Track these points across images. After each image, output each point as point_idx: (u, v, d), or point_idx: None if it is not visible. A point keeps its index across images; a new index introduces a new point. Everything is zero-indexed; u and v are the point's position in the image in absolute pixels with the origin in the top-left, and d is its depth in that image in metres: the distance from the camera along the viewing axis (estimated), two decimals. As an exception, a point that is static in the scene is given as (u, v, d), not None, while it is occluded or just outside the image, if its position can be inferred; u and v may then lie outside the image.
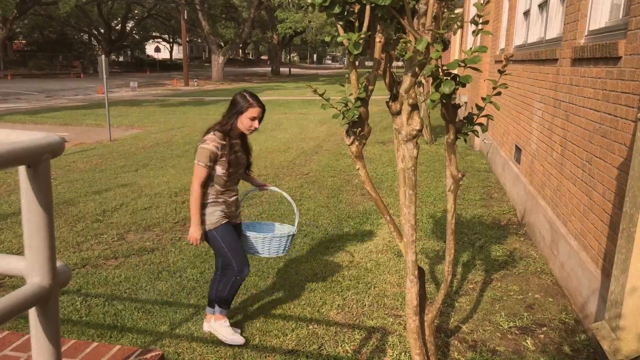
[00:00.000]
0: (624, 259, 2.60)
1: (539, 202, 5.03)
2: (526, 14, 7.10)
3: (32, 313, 1.00)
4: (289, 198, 3.64)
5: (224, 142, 3.13)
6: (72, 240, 5.06)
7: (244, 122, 3.17)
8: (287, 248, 3.43)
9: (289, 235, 3.39)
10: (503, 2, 8.89)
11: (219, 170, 3.13)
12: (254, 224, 3.74)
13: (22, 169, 1.00)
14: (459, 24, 13.90)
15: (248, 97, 3.19)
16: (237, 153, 3.22)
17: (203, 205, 3.15)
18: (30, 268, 1.04)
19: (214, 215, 3.17)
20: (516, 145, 6.62)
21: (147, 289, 4.04)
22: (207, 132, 3.18)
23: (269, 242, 3.35)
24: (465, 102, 12.42)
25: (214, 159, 3.09)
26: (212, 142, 3.09)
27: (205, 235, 3.18)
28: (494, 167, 8.16)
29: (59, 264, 1.10)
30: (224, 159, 3.13)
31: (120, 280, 4.18)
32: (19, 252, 4.75)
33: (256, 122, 3.21)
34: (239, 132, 3.24)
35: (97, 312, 3.66)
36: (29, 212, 1.01)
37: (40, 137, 1.02)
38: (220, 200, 3.20)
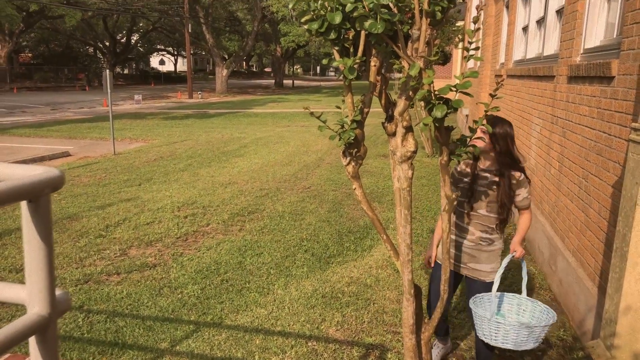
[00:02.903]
0: (617, 277, 2.63)
1: (537, 217, 5.06)
2: (525, 29, 7.17)
3: (32, 340, 1.05)
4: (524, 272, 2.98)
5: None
6: (75, 256, 5.12)
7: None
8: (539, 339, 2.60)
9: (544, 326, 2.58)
10: (503, 17, 8.98)
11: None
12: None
13: (23, 204, 1.05)
14: (460, 37, 14.02)
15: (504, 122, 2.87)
16: (480, 187, 2.92)
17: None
18: (30, 297, 1.09)
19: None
20: (516, 160, 6.66)
21: (148, 305, 4.08)
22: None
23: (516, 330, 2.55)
24: (467, 115, 12.48)
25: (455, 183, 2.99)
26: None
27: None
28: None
29: (58, 292, 1.15)
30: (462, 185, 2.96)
31: (122, 297, 4.22)
32: (22, 268, 4.81)
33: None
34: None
35: (98, 328, 3.70)
36: (30, 244, 1.06)
37: (41, 172, 1.08)
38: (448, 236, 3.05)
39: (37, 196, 1.06)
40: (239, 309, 4.00)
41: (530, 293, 4.28)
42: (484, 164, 2.88)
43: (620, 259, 2.62)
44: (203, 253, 5.21)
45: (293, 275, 4.66)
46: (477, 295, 2.85)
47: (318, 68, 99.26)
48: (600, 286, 3.27)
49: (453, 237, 2.98)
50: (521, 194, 2.82)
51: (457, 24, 14.84)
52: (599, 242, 3.34)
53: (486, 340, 2.66)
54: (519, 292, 2.97)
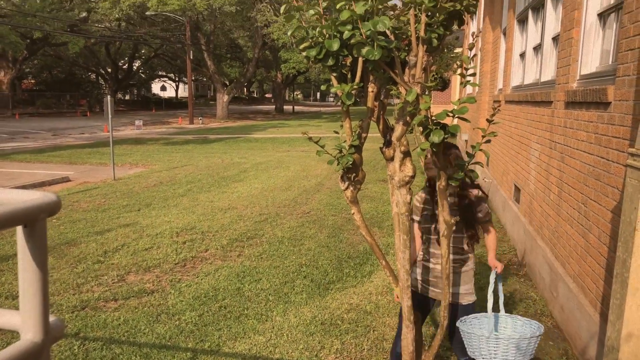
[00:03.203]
0: (618, 304, 2.60)
1: (538, 242, 5.03)
2: (522, 55, 7.26)
3: (24, 368, 1.04)
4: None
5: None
6: (72, 282, 5.08)
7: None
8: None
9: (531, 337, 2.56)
10: (500, 44, 9.09)
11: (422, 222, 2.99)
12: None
13: (19, 229, 1.05)
14: (458, 63, 14.19)
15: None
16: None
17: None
18: (23, 324, 1.08)
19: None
20: (515, 185, 6.67)
21: (145, 332, 4.03)
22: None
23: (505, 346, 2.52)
24: (466, 141, 12.53)
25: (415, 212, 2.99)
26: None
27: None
28: (494, 206, 8.18)
29: (52, 318, 1.14)
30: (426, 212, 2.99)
31: (119, 323, 4.17)
32: (18, 294, 4.76)
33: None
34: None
35: (94, 356, 3.65)
36: (24, 269, 1.06)
37: (37, 197, 1.07)
38: (419, 261, 3.05)
39: (33, 221, 1.05)
40: (237, 336, 3.96)
41: (531, 319, 4.23)
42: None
43: (621, 285, 2.59)
44: (201, 279, 5.17)
45: (292, 302, 4.62)
46: (463, 318, 2.81)
47: (318, 94, 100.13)
48: (602, 313, 3.24)
49: (427, 264, 2.99)
50: (482, 210, 2.91)
51: (455, 51, 15.03)
52: (600, 268, 3.32)
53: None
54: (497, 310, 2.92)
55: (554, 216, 4.61)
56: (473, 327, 2.73)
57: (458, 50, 15.74)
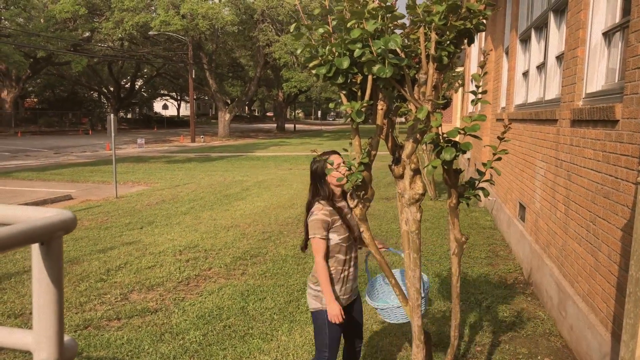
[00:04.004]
0: (632, 323, 2.56)
1: (544, 261, 4.99)
2: (525, 74, 7.29)
3: (37, 390, 1.01)
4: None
5: (331, 208, 2.93)
6: (75, 301, 5.03)
7: (333, 176, 2.91)
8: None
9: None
10: (503, 63, 9.15)
11: (336, 238, 2.91)
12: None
13: (35, 246, 1.03)
14: (460, 82, 14.25)
15: (321, 158, 2.96)
16: (347, 216, 2.98)
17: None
18: (37, 343, 1.05)
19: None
20: (520, 203, 6.64)
21: (149, 351, 3.98)
22: (309, 205, 3.00)
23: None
24: (469, 159, 12.53)
25: (327, 228, 2.88)
26: (320, 211, 2.88)
27: (315, 314, 2.97)
28: (498, 224, 8.14)
29: (66, 338, 1.11)
30: (338, 224, 2.91)
31: (123, 343, 4.12)
32: (21, 313, 4.72)
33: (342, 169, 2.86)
34: (338, 193, 2.99)
35: (97, 376, 3.60)
36: (40, 288, 1.03)
37: (53, 214, 1.06)
38: (342, 276, 2.95)
39: (49, 239, 1.04)
40: (242, 356, 3.90)
41: (538, 340, 4.18)
42: (338, 198, 3.00)
43: (635, 304, 2.56)
44: (205, 298, 5.12)
45: (297, 321, 4.56)
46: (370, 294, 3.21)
47: (319, 112, 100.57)
48: (613, 332, 3.19)
49: (343, 273, 2.96)
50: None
51: (457, 70, 15.13)
52: (610, 287, 3.28)
53: (400, 322, 2.99)
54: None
55: (561, 234, 4.58)
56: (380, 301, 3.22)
57: (459, 69, 15.84)
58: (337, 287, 2.92)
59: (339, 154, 2.99)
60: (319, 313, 2.95)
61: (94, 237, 7.56)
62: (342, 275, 2.94)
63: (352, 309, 3.12)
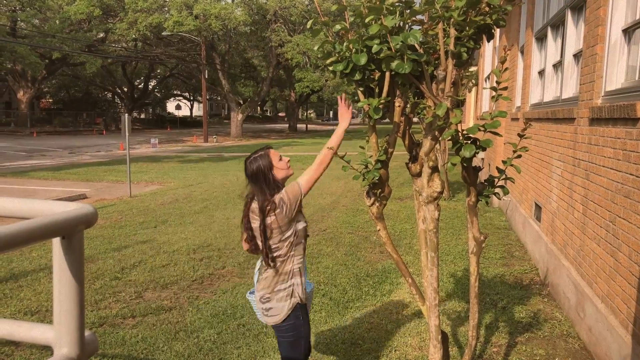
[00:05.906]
0: (655, 324, 2.51)
1: (561, 261, 4.93)
2: (541, 73, 7.21)
3: (58, 385, 1.00)
4: None
5: None
6: (91, 299, 5.06)
7: (280, 168, 2.86)
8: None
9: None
10: (518, 61, 9.05)
11: (302, 223, 2.80)
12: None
13: (56, 240, 1.02)
14: (473, 82, 14.14)
15: (260, 154, 2.87)
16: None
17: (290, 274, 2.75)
18: (58, 338, 1.04)
19: (299, 293, 2.77)
20: (536, 203, 6.56)
21: (164, 349, 3.99)
22: (266, 204, 2.77)
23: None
24: (482, 159, 12.44)
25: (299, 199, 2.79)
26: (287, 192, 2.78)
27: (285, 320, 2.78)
28: (513, 225, 8.06)
29: (86, 333, 1.10)
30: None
31: (137, 341, 4.13)
32: (37, 310, 4.75)
33: (284, 159, 2.90)
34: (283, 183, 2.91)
35: (113, 373, 3.61)
36: (60, 282, 1.02)
37: (75, 208, 1.05)
38: (303, 265, 2.80)
39: (71, 233, 1.03)
40: (256, 355, 3.89)
41: (556, 341, 4.12)
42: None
43: (658, 305, 2.50)
44: (219, 296, 5.12)
45: (311, 320, 4.53)
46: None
47: (331, 113, 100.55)
48: (634, 334, 3.13)
49: (304, 266, 2.81)
50: (284, 207, 2.78)
51: (470, 70, 15.01)
52: (631, 288, 3.22)
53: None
54: None
55: (578, 234, 4.52)
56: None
57: (473, 69, 15.72)
58: (303, 279, 2.77)
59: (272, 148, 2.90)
60: (294, 311, 2.76)
61: (109, 236, 7.61)
62: (303, 264, 2.79)
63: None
